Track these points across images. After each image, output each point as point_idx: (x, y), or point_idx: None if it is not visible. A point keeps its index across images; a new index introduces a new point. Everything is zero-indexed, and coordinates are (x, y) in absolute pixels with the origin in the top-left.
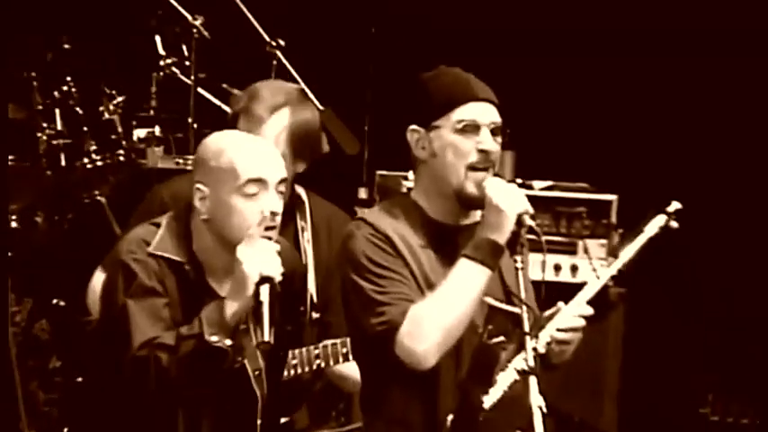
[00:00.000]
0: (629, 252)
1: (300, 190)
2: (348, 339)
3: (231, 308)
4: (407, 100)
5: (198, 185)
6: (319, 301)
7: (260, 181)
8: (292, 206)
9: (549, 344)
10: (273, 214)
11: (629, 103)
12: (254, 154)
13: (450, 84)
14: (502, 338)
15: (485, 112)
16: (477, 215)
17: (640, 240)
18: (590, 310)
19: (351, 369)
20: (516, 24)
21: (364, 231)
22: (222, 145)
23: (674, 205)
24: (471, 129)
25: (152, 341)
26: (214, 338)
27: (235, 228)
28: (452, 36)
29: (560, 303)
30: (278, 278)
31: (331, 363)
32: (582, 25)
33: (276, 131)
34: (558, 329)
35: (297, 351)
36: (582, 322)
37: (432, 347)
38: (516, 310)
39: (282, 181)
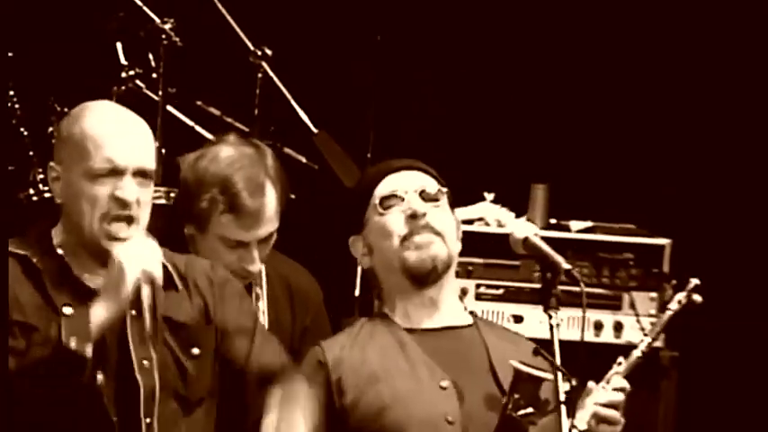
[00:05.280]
0: (655, 330)
1: None
2: None
3: (100, 310)
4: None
5: (51, 163)
6: None
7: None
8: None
9: (590, 421)
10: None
11: (684, 132)
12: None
13: (366, 176)
14: (530, 410)
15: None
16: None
17: (665, 318)
18: (627, 385)
19: None
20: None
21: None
22: (79, 117)
23: (693, 282)
24: (391, 201)
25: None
26: (72, 344)
27: (85, 216)
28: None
29: (590, 383)
30: (159, 276)
31: None
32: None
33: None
34: (597, 404)
35: None
36: (622, 396)
37: None
38: (548, 376)
39: (140, 173)
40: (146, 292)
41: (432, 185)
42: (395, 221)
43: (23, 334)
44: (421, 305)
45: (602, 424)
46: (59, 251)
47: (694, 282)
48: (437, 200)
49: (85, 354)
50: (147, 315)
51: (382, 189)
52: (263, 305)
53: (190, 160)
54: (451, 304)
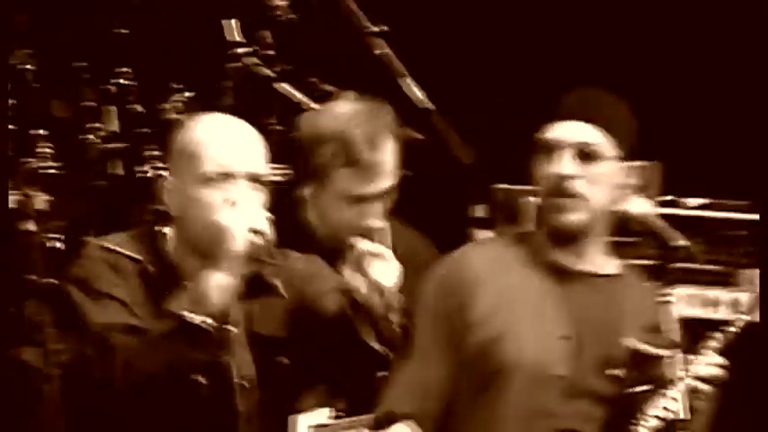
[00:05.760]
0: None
1: None
2: None
3: (216, 279)
4: None
5: (165, 176)
6: None
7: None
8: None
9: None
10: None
11: None
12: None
13: None
14: (648, 387)
15: None
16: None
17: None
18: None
19: None
20: None
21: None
22: (191, 127)
23: None
24: None
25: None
26: (195, 317)
27: (200, 225)
28: None
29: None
30: (268, 233)
31: None
32: None
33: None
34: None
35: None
36: (720, 371)
37: None
38: (667, 353)
39: (252, 177)
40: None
41: None
42: None
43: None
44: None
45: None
46: (173, 258)
47: None
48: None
49: (208, 326)
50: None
51: None
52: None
53: (307, 117)
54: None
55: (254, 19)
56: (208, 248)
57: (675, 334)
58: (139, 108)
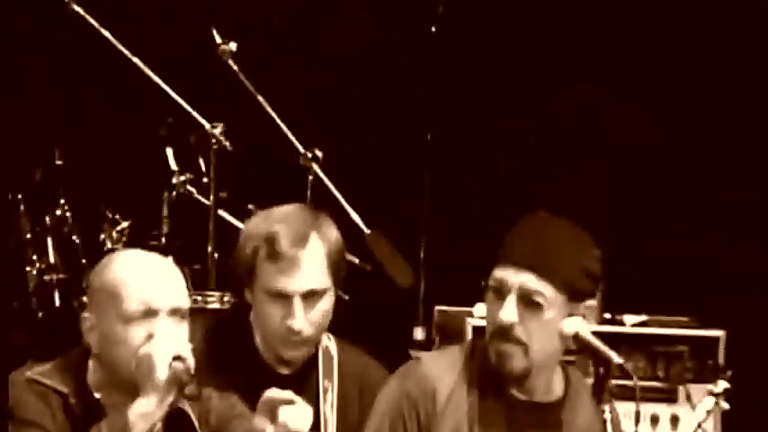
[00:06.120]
0: None
1: (328, 338)
2: None
3: (139, 407)
4: None
5: (84, 314)
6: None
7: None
8: (314, 358)
9: None
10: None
11: (736, 220)
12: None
13: None
14: None
15: None
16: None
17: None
18: None
19: None
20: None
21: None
22: (110, 265)
23: (722, 385)
24: None
25: None
26: None
27: (122, 362)
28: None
29: None
30: (190, 360)
31: None
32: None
33: (314, 263)
34: None
35: None
36: None
37: None
38: None
39: (177, 311)
40: None
41: None
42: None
43: None
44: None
45: None
46: (96, 394)
47: (723, 385)
48: None
49: None
50: None
51: None
52: (331, 398)
53: (245, 223)
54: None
55: (190, 147)
56: (130, 380)
57: None
58: (76, 239)
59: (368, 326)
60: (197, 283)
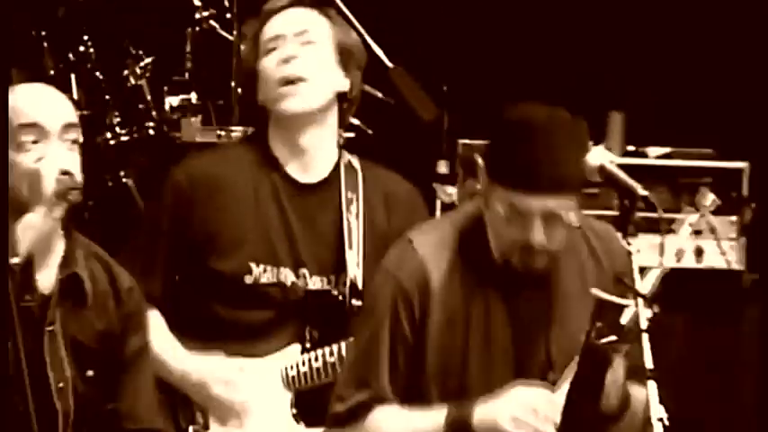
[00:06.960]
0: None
1: (351, 157)
2: None
3: (26, 219)
4: None
5: None
6: (364, 289)
7: (35, 126)
8: (335, 170)
9: None
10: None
11: (760, 53)
12: (29, 95)
13: None
14: (613, 338)
15: None
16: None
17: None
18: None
19: None
20: None
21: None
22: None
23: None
24: None
25: None
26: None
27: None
28: None
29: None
30: (77, 175)
31: None
32: None
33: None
34: None
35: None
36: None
37: None
38: (630, 302)
39: (70, 126)
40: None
41: None
42: None
43: None
44: None
45: None
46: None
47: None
48: None
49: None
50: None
51: None
52: (355, 208)
53: None
54: None
55: None
56: (22, 198)
57: (639, 284)
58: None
59: (391, 160)
60: (221, 119)
